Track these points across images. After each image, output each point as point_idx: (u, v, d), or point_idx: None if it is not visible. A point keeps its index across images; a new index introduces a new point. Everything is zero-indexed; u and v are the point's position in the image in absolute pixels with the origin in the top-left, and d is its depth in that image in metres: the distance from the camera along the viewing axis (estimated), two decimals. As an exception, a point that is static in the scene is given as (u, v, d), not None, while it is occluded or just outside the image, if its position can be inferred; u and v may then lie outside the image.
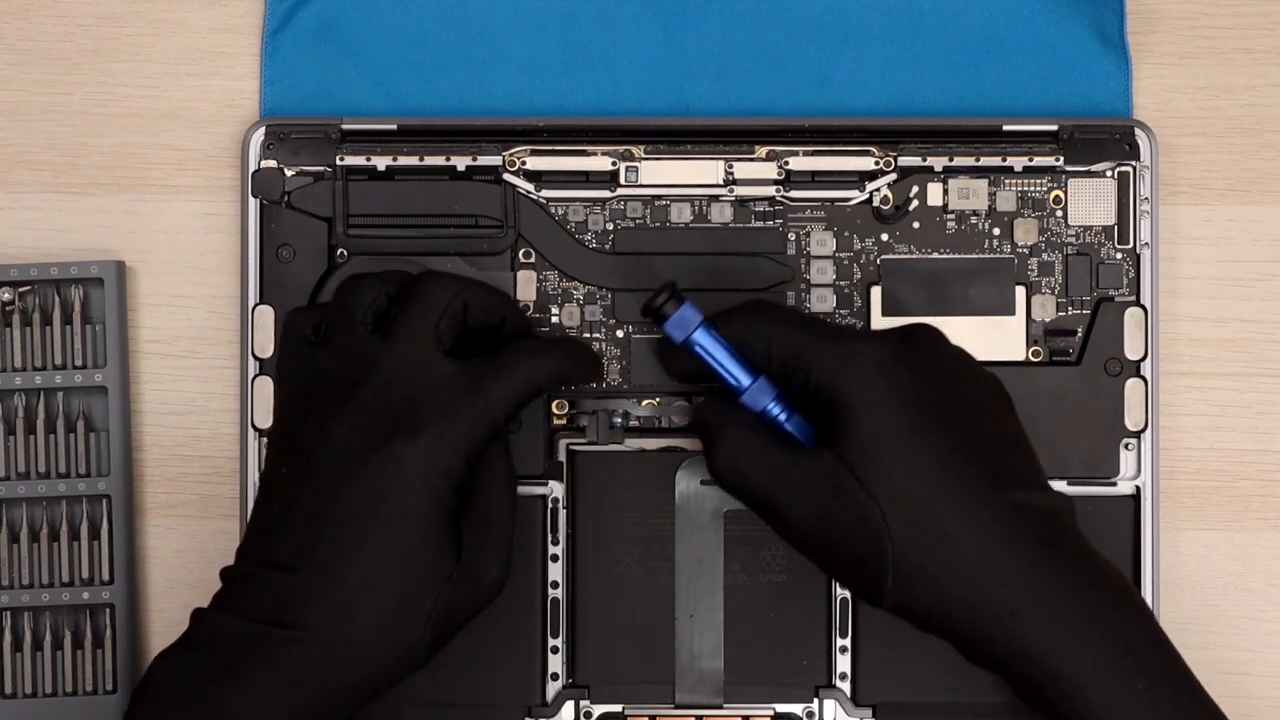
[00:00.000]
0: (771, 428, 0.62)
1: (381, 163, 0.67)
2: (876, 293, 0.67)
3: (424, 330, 0.61)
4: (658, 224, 0.68)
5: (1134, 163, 0.67)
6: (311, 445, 0.60)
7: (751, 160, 0.67)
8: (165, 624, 0.68)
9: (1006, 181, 0.68)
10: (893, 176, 0.67)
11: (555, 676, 0.67)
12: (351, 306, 0.62)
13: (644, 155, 0.67)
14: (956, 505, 0.58)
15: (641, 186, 0.67)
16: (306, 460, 0.59)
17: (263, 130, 0.67)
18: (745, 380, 0.61)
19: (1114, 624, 0.58)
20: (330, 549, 0.58)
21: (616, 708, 0.67)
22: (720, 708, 0.66)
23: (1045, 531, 0.59)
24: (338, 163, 0.67)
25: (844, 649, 0.66)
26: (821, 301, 0.67)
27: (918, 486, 0.58)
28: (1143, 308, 0.67)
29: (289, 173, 0.67)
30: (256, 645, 0.58)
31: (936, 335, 0.62)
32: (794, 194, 0.67)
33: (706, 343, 0.62)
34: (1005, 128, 0.67)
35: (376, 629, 0.58)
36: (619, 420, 0.67)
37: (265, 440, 0.67)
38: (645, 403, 0.67)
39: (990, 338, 0.67)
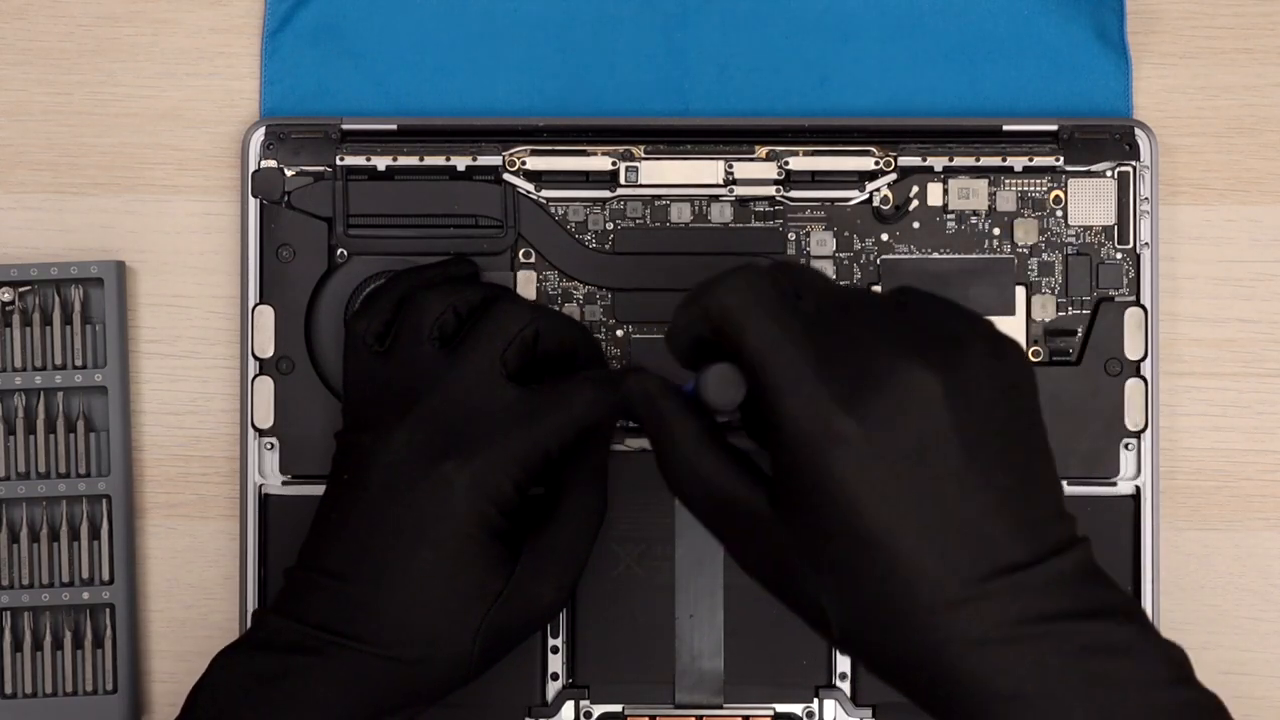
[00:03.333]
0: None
1: (381, 163, 0.67)
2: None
3: (490, 355, 0.61)
4: (658, 224, 0.68)
5: (1134, 163, 0.67)
6: (369, 456, 0.60)
7: (751, 160, 0.67)
8: (165, 624, 0.68)
9: (1006, 181, 0.68)
10: (893, 176, 0.67)
11: (555, 676, 0.67)
12: (419, 322, 0.62)
13: (644, 155, 0.67)
14: (913, 607, 0.51)
15: (641, 186, 0.67)
16: (363, 470, 0.60)
17: (263, 130, 0.67)
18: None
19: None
20: (379, 563, 0.59)
21: (616, 708, 0.67)
22: (720, 708, 0.66)
23: (1031, 614, 0.51)
24: (338, 163, 0.67)
25: (844, 649, 0.66)
26: (821, 301, 0.67)
27: (871, 586, 0.52)
28: (1143, 308, 0.67)
29: (289, 173, 0.67)
30: (311, 651, 0.58)
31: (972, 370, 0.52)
32: (794, 194, 0.67)
33: None
34: (1005, 128, 0.67)
35: (423, 643, 0.59)
36: (619, 420, 0.67)
37: (263, 440, 0.67)
38: (645, 403, 0.67)
39: (990, 338, 0.67)
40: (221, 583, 0.68)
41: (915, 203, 0.68)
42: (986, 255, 0.68)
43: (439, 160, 0.67)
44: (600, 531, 0.63)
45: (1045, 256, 0.68)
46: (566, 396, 0.61)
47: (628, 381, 0.56)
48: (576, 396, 0.61)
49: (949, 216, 0.68)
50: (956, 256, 0.67)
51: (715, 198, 0.67)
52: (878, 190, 0.67)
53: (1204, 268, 0.69)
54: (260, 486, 0.67)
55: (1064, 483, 0.66)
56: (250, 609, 0.66)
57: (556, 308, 0.67)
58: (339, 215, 0.67)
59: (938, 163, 0.67)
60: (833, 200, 0.68)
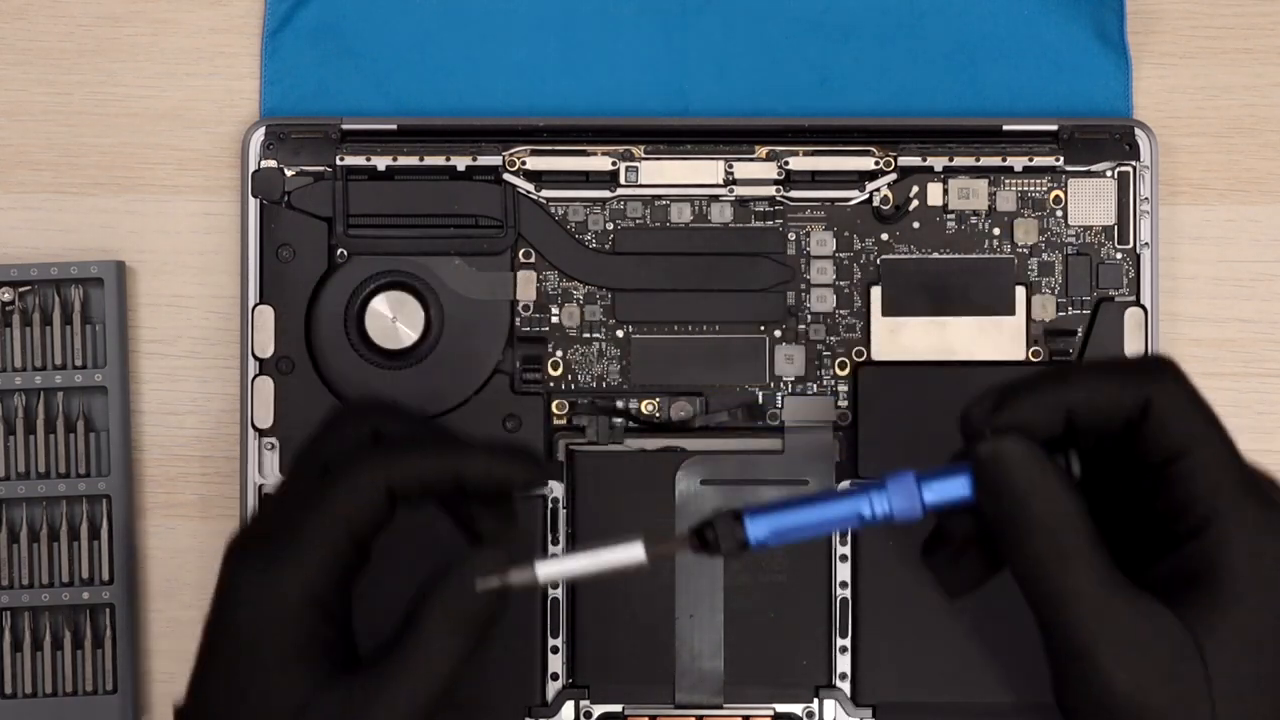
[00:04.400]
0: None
1: (381, 163, 0.67)
2: (876, 293, 0.67)
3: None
4: (658, 224, 0.68)
5: (1134, 163, 0.67)
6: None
7: (751, 160, 0.67)
8: (165, 624, 0.68)
9: (1006, 181, 0.68)
10: (893, 176, 0.67)
11: (555, 676, 0.67)
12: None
13: (644, 155, 0.67)
14: None
15: (641, 186, 0.67)
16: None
17: (263, 130, 0.67)
18: None
19: None
20: (209, 692, 0.52)
21: (616, 708, 0.67)
22: (720, 708, 0.66)
23: None
24: (338, 163, 0.67)
25: (844, 649, 0.66)
26: (821, 301, 0.67)
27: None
28: (1143, 308, 0.67)
29: (289, 173, 0.67)
30: None
31: None
32: (794, 194, 0.67)
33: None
34: (1005, 128, 0.67)
35: None
36: (619, 420, 0.67)
37: (263, 440, 0.67)
38: (645, 403, 0.67)
39: (990, 338, 0.67)
40: (221, 583, 0.68)
41: (915, 203, 0.68)
42: (986, 255, 0.68)
43: (439, 160, 0.67)
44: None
45: (1045, 256, 0.68)
46: (349, 470, 0.52)
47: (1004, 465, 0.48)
48: (360, 466, 0.52)
49: (949, 216, 0.68)
50: (956, 256, 0.68)
51: (715, 198, 0.67)
52: (878, 190, 0.67)
53: (1204, 268, 0.69)
54: (260, 486, 0.67)
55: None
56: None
57: (556, 308, 0.67)
58: (339, 215, 0.67)
59: (938, 163, 0.67)
60: (833, 200, 0.68)
